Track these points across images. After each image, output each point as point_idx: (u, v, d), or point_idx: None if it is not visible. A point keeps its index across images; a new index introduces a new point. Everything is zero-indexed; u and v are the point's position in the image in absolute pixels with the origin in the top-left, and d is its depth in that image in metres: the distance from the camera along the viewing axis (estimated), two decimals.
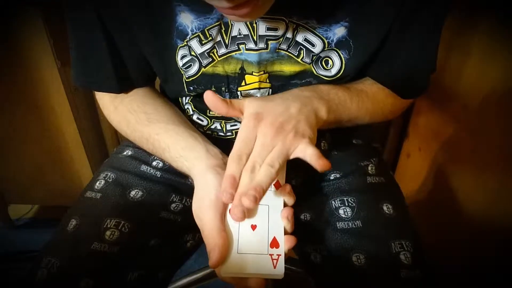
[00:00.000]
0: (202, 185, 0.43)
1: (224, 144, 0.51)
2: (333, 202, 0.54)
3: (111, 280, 0.46)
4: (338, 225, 0.52)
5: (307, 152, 0.41)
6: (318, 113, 0.46)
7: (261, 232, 0.41)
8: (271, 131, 0.42)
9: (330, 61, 0.50)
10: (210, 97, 0.43)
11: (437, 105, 0.95)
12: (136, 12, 0.47)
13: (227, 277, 0.40)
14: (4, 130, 1.08)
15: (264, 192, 0.39)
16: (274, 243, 0.40)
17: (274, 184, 0.43)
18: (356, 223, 0.51)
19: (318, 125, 0.46)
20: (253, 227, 0.41)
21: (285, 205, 0.43)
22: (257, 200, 0.39)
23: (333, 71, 0.50)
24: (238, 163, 0.41)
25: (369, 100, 0.53)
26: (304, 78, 0.51)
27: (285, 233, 0.41)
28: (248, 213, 0.41)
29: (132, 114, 0.53)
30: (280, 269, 0.39)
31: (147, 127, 0.51)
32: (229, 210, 0.41)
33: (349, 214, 0.52)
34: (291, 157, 0.42)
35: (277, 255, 0.40)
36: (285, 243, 0.40)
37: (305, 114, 0.44)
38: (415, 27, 0.48)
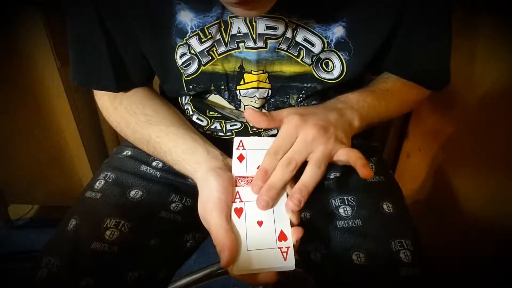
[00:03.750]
0: (205, 188, 0.43)
1: (224, 144, 0.51)
2: (333, 201, 0.54)
3: (111, 279, 0.46)
4: (338, 224, 0.52)
5: (352, 156, 0.42)
6: (351, 124, 0.48)
7: (268, 227, 0.41)
8: (313, 131, 0.43)
9: (330, 63, 0.50)
10: (250, 114, 0.45)
11: (437, 105, 0.95)
12: (136, 10, 0.47)
13: (238, 275, 0.40)
14: (4, 130, 1.08)
15: (309, 193, 0.41)
16: (282, 236, 0.41)
17: None
18: (356, 222, 0.51)
19: (351, 134, 0.48)
20: (260, 223, 0.41)
21: None
22: (301, 203, 0.40)
23: (335, 73, 0.50)
24: (273, 158, 0.42)
25: (395, 97, 0.55)
26: (305, 81, 0.51)
27: (291, 225, 0.42)
28: (254, 210, 0.42)
29: (131, 116, 0.53)
30: (290, 261, 0.39)
31: (147, 130, 0.51)
32: (234, 210, 0.42)
33: (349, 213, 0.52)
34: (334, 159, 0.44)
35: (286, 247, 0.40)
36: (292, 235, 0.41)
37: (341, 124, 0.46)
38: (426, 21, 0.49)
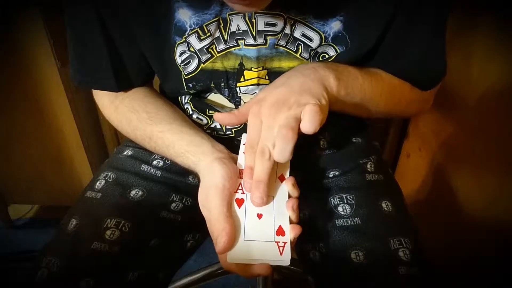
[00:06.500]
0: (209, 175, 0.43)
1: (224, 143, 0.51)
2: (332, 199, 0.54)
3: (111, 280, 0.46)
4: (337, 223, 0.52)
5: (307, 108, 0.40)
6: (325, 82, 0.44)
7: (267, 220, 0.41)
8: (272, 111, 0.41)
9: (326, 56, 0.50)
10: (219, 118, 0.45)
11: (437, 105, 0.95)
12: (135, 10, 0.47)
13: (232, 265, 0.40)
14: (4, 130, 1.09)
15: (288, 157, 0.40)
16: (280, 231, 0.41)
17: (278, 177, 0.44)
18: (355, 221, 0.51)
19: (329, 97, 0.44)
20: (259, 215, 0.42)
21: (289, 196, 0.44)
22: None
23: None
24: (251, 153, 0.42)
25: (384, 82, 0.52)
26: None
27: (290, 222, 0.42)
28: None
29: (133, 113, 0.53)
30: (286, 256, 0.39)
31: (150, 126, 0.51)
32: (235, 200, 0.42)
33: (348, 212, 0.52)
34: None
35: (283, 242, 0.40)
36: (290, 232, 0.41)
37: (308, 86, 0.43)
38: (421, 19, 0.48)
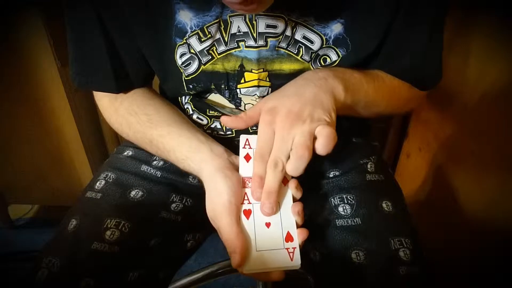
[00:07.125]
0: (213, 190, 0.44)
1: (224, 143, 0.51)
2: (332, 199, 0.54)
3: (111, 280, 0.46)
4: (337, 223, 0.52)
5: (323, 132, 0.41)
6: (335, 92, 0.45)
7: (275, 228, 0.42)
8: (287, 124, 0.42)
9: (328, 59, 0.50)
10: (226, 121, 0.46)
11: (437, 105, 0.95)
12: (136, 11, 0.47)
13: (250, 273, 0.41)
14: (4, 130, 1.08)
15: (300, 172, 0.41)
16: (289, 237, 0.42)
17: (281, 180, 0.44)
18: (355, 221, 0.51)
19: (336, 105, 0.45)
20: (268, 224, 0.42)
21: (293, 199, 0.44)
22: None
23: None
24: (261, 162, 0.42)
25: (386, 85, 0.53)
26: None
27: (297, 226, 0.43)
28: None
29: (133, 116, 0.53)
30: (296, 261, 0.41)
31: (150, 129, 0.51)
32: (243, 211, 0.43)
33: (348, 212, 0.52)
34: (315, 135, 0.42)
35: (292, 248, 0.41)
36: (298, 236, 0.42)
37: (320, 98, 0.44)
38: (420, 20, 0.48)
